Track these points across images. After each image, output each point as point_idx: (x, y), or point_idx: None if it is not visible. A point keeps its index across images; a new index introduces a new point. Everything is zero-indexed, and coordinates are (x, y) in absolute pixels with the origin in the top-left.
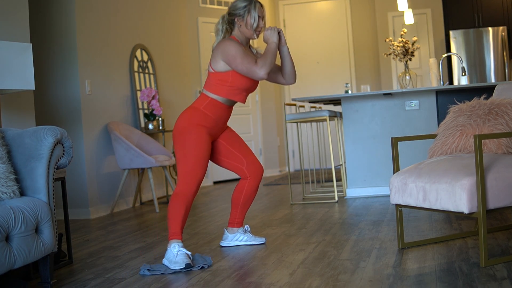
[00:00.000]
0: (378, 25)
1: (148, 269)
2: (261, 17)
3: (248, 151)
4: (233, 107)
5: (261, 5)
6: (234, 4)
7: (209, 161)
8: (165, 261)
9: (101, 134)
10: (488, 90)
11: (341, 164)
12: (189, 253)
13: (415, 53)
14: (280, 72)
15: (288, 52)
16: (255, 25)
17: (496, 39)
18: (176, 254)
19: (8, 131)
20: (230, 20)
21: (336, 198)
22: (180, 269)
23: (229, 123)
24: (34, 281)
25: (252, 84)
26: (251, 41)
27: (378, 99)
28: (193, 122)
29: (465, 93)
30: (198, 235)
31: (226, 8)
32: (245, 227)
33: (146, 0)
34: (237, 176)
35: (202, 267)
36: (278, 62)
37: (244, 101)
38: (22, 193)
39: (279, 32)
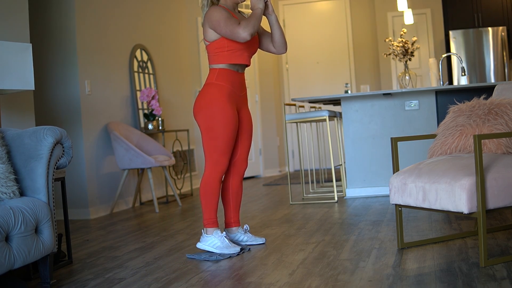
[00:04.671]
0: (378, 25)
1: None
2: None
3: (247, 147)
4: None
5: None
6: None
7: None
8: (214, 249)
9: (100, 134)
10: (488, 90)
11: (341, 164)
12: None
13: (415, 53)
14: (271, 41)
15: (276, 21)
16: None
17: (496, 39)
18: (222, 240)
19: (8, 131)
20: None
21: (336, 198)
22: (238, 253)
23: None
24: (34, 281)
25: (250, 43)
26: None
27: (378, 99)
28: (213, 97)
29: (464, 93)
30: (198, 235)
31: None
32: (245, 227)
33: (146, 0)
34: None
35: (249, 249)
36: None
37: (248, 62)
38: (22, 193)
39: (266, 1)
